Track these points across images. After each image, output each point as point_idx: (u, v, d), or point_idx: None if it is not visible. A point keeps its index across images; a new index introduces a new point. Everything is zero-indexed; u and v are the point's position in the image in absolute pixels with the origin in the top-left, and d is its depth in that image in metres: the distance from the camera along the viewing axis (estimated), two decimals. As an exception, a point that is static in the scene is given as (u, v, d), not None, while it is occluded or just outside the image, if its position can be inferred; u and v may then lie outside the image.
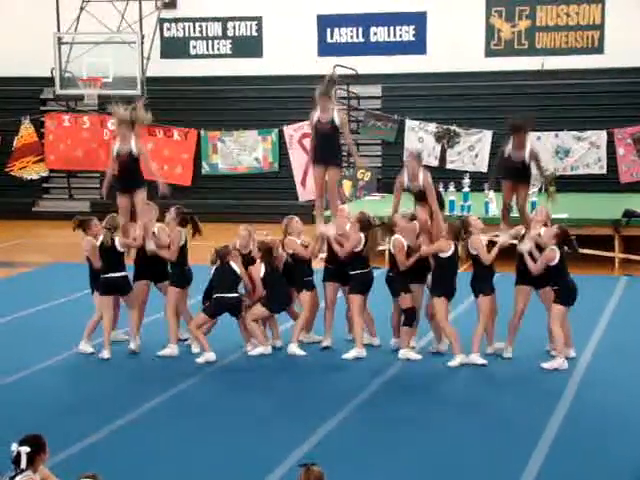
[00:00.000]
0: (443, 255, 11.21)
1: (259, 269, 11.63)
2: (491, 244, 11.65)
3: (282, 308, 11.84)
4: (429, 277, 11.48)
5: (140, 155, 11.67)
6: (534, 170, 11.74)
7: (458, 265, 11.41)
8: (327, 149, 11.73)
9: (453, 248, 11.23)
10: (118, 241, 11.55)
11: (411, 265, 11.38)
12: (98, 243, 11.62)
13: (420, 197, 11.57)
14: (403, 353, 11.42)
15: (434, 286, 11.33)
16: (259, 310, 11.66)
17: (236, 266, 11.49)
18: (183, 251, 11.78)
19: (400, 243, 11.38)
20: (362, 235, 11.57)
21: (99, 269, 11.65)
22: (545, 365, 10.95)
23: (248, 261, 11.71)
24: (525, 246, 11.23)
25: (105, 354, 11.50)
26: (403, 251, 11.36)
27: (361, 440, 8.82)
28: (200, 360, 11.33)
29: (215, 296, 11.50)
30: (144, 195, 11.74)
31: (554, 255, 10.94)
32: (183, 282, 11.80)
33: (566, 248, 11.06)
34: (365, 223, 11.64)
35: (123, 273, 11.61)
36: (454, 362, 11.14)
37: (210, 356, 11.33)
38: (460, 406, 9.85)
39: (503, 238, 11.55)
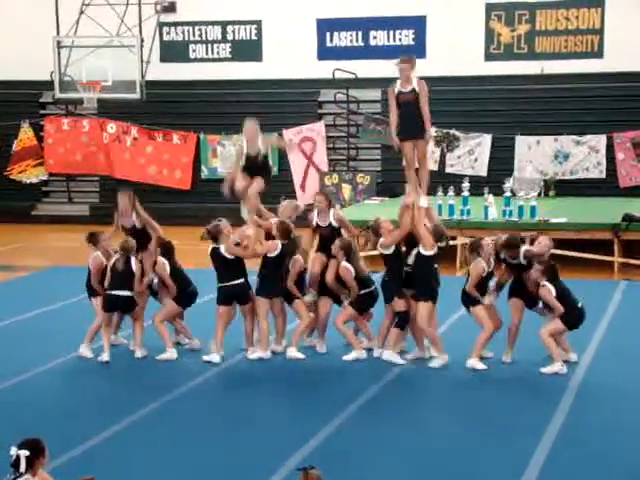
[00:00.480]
0: (426, 253, 11.18)
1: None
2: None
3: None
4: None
5: None
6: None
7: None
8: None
9: (436, 249, 11.21)
10: (135, 263, 11.56)
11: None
12: (111, 262, 11.61)
13: None
14: (388, 355, 11.37)
15: (419, 291, 11.28)
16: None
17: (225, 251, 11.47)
18: (178, 276, 11.78)
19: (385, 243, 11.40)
20: (349, 266, 11.53)
21: (93, 286, 11.75)
22: (544, 370, 10.94)
23: None
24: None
25: (105, 357, 11.50)
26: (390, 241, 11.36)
27: (361, 443, 8.81)
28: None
29: (219, 286, 11.54)
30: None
31: (551, 291, 10.90)
32: (184, 303, 11.87)
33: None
34: (346, 248, 11.60)
35: (129, 293, 11.59)
36: (435, 363, 11.14)
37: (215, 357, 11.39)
38: (460, 409, 9.84)
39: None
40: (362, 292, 11.57)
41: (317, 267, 11.81)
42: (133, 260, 11.57)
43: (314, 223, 11.95)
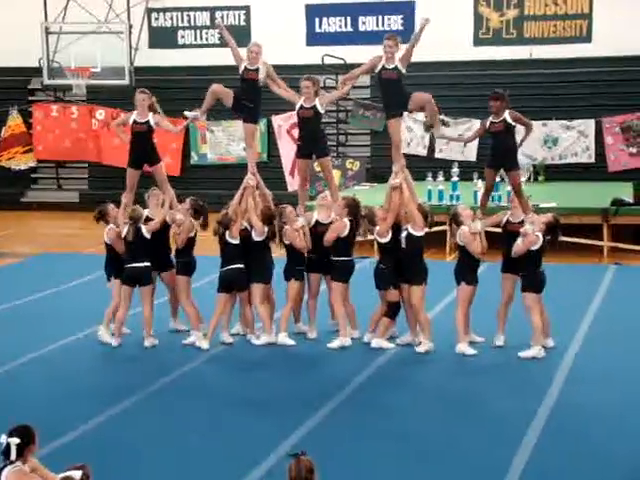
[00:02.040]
0: (417, 233, 11.19)
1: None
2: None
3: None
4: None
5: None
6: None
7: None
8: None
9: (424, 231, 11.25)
10: (145, 229, 11.53)
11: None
12: (123, 232, 11.56)
13: None
14: (376, 342, 11.40)
15: (412, 274, 11.30)
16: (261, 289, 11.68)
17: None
18: (191, 242, 11.83)
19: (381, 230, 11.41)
20: (347, 221, 11.55)
21: (123, 254, 11.62)
22: (522, 354, 10.97)
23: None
24: (477, 225, 11.22)
25: (114, 342, 11.53)
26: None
27: (350, 430, 8.83)
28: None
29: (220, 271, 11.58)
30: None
31: (536, 240, 10.94)
32: (190, 270, 11.86)
33: (548, 238, 11.04)
34: (352, 208, 11.62)
35: (146, 263, 11.56)
36: (421, 348, 11.18)
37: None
38: (448, 396, 9.84)
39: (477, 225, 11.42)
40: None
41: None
42: (143, 228, 11.52)
43: (298, 106, 11.87)
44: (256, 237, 11.68)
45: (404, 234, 11.29)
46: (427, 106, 11.72)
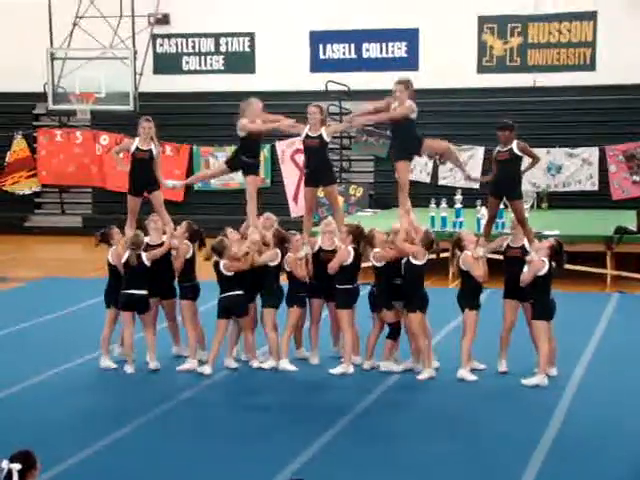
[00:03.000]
0: (416, 262, 11.18)
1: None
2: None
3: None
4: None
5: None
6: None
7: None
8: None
9: (426, 258, 11.23)
10: (145, 256, 11.52)
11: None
12: (123, 259, 11.52)
13: None
14: (385, 365, 11.40)
15: (410, 301, 11.28)
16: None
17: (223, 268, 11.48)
18: (191, 265, 11.82)
19: (381, 256, 11.39)
20: (351, 249, 11.55)
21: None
22: (525, 381, 10.93)
23: None
24: (479, 251, 11.21)
25: (129, 369, 11.49)
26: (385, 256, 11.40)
27: (352, 456, 8.78)
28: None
29: (219, 297, 11.56)
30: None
31: (542, 266, 10.92)
32: (194, 295, 11.85)
33: (554, 264, 11.02)
34: (356, 235, 11.62)
35: (143, 292, 11.53)
36: (423, 375, 11.15)
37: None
38: (450, 422, 9.80)
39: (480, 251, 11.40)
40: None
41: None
42: (144, 255, 11.51)
43: (303, 134, 11.88)
44: (270, 262, 11.70)
45: (404, 261, 11.30)
46: (446, 154, 11.81)
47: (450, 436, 9.33)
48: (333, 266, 11.52)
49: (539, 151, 22.29)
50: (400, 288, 11.35)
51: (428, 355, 11.24)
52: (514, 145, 11.41)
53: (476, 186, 22.09)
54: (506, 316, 11.36)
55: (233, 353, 11.82)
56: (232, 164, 12.47)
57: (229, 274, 11.48)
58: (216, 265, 11.55)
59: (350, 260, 11.52)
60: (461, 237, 11.45)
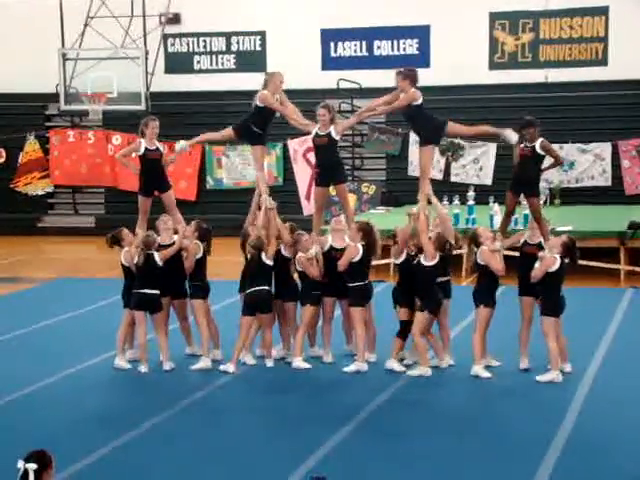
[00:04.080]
0: (425, 263, 11.18)
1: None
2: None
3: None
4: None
5: None
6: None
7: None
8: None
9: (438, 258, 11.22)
10: (157, 256, 11.52)
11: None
12: (135, 259, 11.51)
13: None
14: (389, 363, 11.40)
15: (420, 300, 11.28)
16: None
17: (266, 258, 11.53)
18: (202, 264, 11.82)
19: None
20: (360, 246, 11.55)
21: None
22: (539, 378, 10.91)
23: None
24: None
25: (143, 369, 11.49)
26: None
27: (366, 454, 8.78)
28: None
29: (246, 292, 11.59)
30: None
31: (554, 262, 10.89)
32: (205, 293, 11.85)
33: (567, 260, 10.99)
34: (366, 232, 11.61)
35: (156, 291, 11.54)
36: (414, 372, 11.15)
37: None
38: (464, 419, 9.78)
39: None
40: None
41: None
42: (156, 255, 11.53)
43: (313, 133, 11.89)
44: (287, 254, 11.77)
45: (415, 261, 11.31)
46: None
47: (464, 433, 9.31)
48: (342, 263, 11.52)
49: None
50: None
51: (423, 354, 11.20)
52: (537, 143, 11.40)
53: (489, 182, 22.09)
54: (524, 313, 11.33)
55: (251, 349, 11.85)
56: (240, 132, 12.39)
57: (270, 263, 11.47)
58: (256, 259, 11.50)
59: (359, 257, 11.52)
60: (478, 233, 11.44)
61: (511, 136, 11.55)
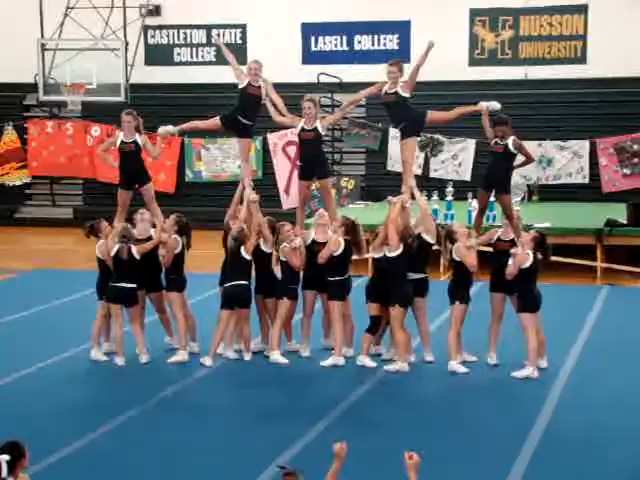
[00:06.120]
0: (390, 254, 11.18)
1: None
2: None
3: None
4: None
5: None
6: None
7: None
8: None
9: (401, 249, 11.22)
10: (135, 250, 11.49)
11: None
12: (112, 252, 11.48)
13: None
14: (360, 359, 11.40)
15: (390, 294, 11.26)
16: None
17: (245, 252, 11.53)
18: (180, 259, 11.79)
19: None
20: (342, 240, 11.55)
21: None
22: (515, 374, 10.96)
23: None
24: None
25: (119, 361, 11.46)
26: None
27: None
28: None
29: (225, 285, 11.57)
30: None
31: (526, 258, 10.93)
32: (182, 286, 11.81)
33: (540, 255, 11.03)
34: (349, 227, 11.62)
35: (132, 285, 11.51)
36: (391, 367, 11.16)
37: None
38: (442, 413, 9.83)
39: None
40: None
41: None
42: (134, 249, 11.48)
43: (299, 127, 11.90)
44: (267, 249, 11.73)
45: (380, 254, 11.31)
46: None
47: (440, 428, 9.35)
48: (323, 255, 11.53)
49: (530, 144, 22.44)
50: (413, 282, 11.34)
51: (401, 348, 11.22)
52: (510, 141, 11.46)
53: (467, 178, 22.18)
54: (494, 309, 11.39)
55: (232, 344, 11.84)
56: (227, 122, 12.38)
57: (248, 257, 11.48)
58: (234, 252, 11.50)
59: (340, 251, 11.53)
60: (453, 229, 11.47)
61: (493, 104, 11.68)
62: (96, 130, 24.89)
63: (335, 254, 11.52)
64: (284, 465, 5.79)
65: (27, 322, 13.78)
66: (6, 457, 6.07)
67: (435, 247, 11.79)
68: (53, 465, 8.25)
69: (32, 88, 24.11)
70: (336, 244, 11.54)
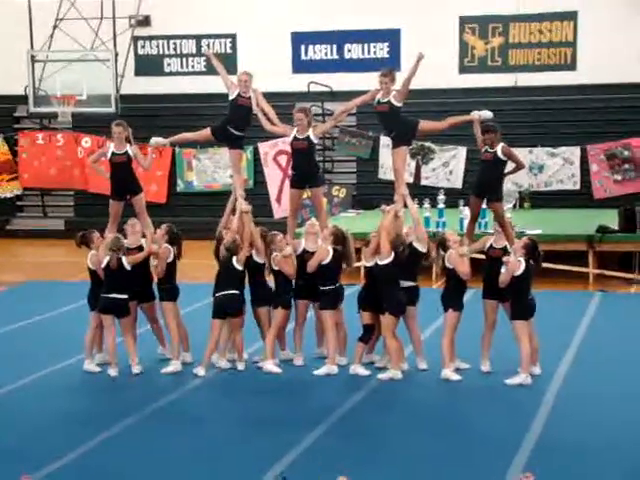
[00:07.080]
0: (380, 262, 11.18)
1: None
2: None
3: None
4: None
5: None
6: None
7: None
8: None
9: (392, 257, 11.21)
10: (126, 260, 11.47)
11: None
12: (103, 263, 11.46)
13: None
14: (353, 368, 11.39)
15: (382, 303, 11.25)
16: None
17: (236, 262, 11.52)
18: (172, 269, 11.77)
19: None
20: (331, 249, 11.55)
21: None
22: (508, 381, 10.96)
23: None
24: (464, 249, 11.25)
25: (112, 372, 11.43)
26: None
27: (337, 456, 8.78)
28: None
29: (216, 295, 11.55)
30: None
31: (519, 266, 10.93)
32: (174, 296, 11.80)
33: (531, 262, 11.04)
34: (338, 237, 11.62)
35: (124, 296, 11.48)
36: (385, 375, 11.15)
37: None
38: (436, 421, 9.81)
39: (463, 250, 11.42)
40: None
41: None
42: (124, 259, 11.44)
43: (291, 137, 11.91)
44: (260, 260, 11.72)
45: (372, 263, 11.31)
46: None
47: (434, 435, 9.34)
48: (312, 264, 11.54)
49: (521, 151, 22.50)
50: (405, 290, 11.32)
51: (395, 356, 11.22)
52: (499, 149, 11.49)
53: (459, 186, 22.22)
54: (486, 316, 11.39)
55: (225, 353, 11.82)
56: (217, 133, 12.40)
57: (240, 268, 11.48)
58: (226, 262, 11.51)
59: (329, 259, 11.52)
60: (445, 237, 11.48)
61: (485, 113, 11.74)
62: (87, 141, 24.87)
63: (324, 263, 11.53)
64: (285, 476, 5.77)
65: (20, 334, 13.75)
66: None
67: (430, 257, 11.75)
68: (47, 476, 8.22)
69: (22, 100, 24.08)
70: (324, 253, 11.54)
